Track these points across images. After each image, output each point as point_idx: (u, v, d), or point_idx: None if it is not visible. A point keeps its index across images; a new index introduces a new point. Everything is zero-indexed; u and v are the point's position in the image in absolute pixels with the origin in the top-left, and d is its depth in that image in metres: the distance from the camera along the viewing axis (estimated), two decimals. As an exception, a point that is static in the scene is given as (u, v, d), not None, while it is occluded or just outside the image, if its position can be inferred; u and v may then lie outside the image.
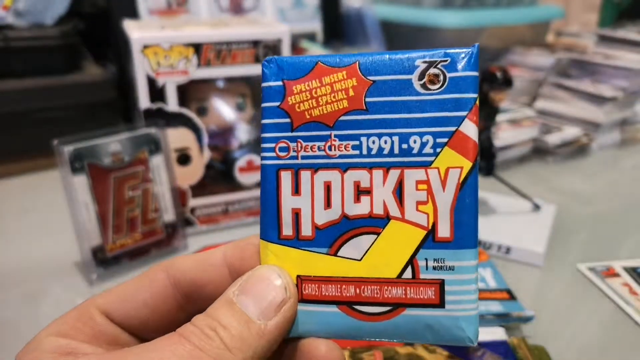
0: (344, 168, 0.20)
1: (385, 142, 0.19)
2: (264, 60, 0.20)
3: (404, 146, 0.19)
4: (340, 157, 0.20)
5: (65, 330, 0.19)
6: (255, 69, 0.53)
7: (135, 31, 0.49)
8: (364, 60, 0.20)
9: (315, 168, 0.20)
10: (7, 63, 0.67)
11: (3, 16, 0.67)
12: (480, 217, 0.20)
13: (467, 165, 0.19)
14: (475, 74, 0.19)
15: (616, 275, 0.47)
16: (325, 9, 0.93)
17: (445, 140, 0.19)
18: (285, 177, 0.20)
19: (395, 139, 0.19)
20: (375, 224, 0.20)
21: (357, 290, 0.20)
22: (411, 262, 0.19)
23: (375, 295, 0.19)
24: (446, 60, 0.19)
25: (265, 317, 0.18)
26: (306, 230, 0.20)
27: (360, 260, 0.20)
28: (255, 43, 0.51)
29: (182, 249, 0.52)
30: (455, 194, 0.19)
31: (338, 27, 0.95)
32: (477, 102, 0.19)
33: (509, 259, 0.50)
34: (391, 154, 0.19)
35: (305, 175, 0.20)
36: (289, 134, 0.20)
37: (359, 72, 0.19)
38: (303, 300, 0.20)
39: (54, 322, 0.20)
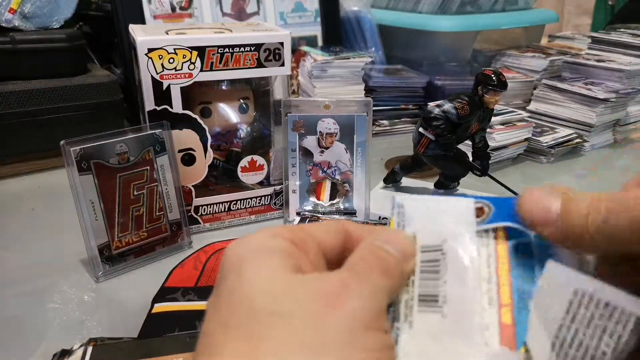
0: None
1: None
2: None
3: None
4: None
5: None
6: (257, 72, 0.54)
7: (140, 35, 0.50)
8: None
9: None
10: (14, 65, 0.68)
11: (10, 19, 0.68)
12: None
13: None
14: None
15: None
16: (325, 13, 0.95)
17: None
18: None
19: None
20: None
21: None
22: None
23: None
24: None
25: None
26: None
27: None
28: (258, 47, 0.53)
29: (186, 246, 0.53)
30: None
31: (337, 31, 0.96)
32: None
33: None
34: None
35: None
36: None
37: None
38: None
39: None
